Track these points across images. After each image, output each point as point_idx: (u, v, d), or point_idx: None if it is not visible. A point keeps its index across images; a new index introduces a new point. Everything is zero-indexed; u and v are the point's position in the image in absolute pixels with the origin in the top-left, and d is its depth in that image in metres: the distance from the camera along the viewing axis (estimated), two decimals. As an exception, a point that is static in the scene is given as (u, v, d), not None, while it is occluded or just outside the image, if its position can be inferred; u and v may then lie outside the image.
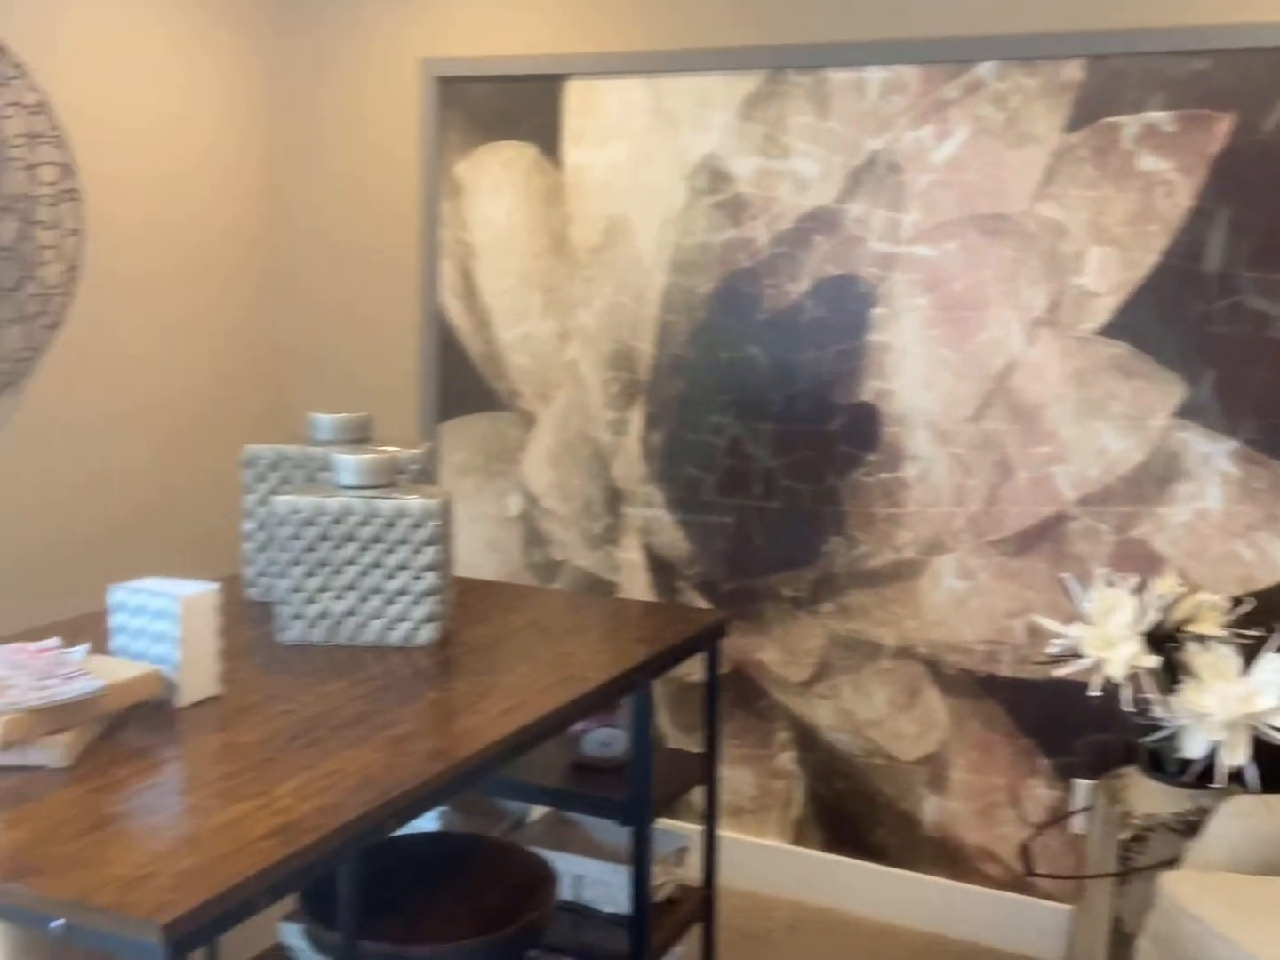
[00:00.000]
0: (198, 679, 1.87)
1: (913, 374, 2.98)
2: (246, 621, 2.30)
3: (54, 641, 1.86)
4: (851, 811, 3.15)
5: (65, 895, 1.31)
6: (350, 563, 2.15)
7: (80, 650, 1.83)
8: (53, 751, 1.63)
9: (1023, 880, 2.98)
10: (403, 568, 2.15)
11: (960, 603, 2.98)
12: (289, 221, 3.64)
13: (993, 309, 2.89)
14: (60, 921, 1.31)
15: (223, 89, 3.41)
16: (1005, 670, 2.95)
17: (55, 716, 1.64)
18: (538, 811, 2.69)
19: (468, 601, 2.48)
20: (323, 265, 3.62)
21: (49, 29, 2.93)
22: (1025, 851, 2.95)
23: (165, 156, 3.27)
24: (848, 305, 3.03)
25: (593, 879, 2.36)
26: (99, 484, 3.17)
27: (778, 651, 3.17)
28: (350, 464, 2.16)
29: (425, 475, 2.40)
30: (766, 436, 3.13)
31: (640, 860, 2.20)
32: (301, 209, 3.63)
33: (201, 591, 1.87)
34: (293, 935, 2.54)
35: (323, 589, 2.16)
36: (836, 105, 3.00)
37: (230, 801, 1.54)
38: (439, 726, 1.82)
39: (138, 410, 3.26)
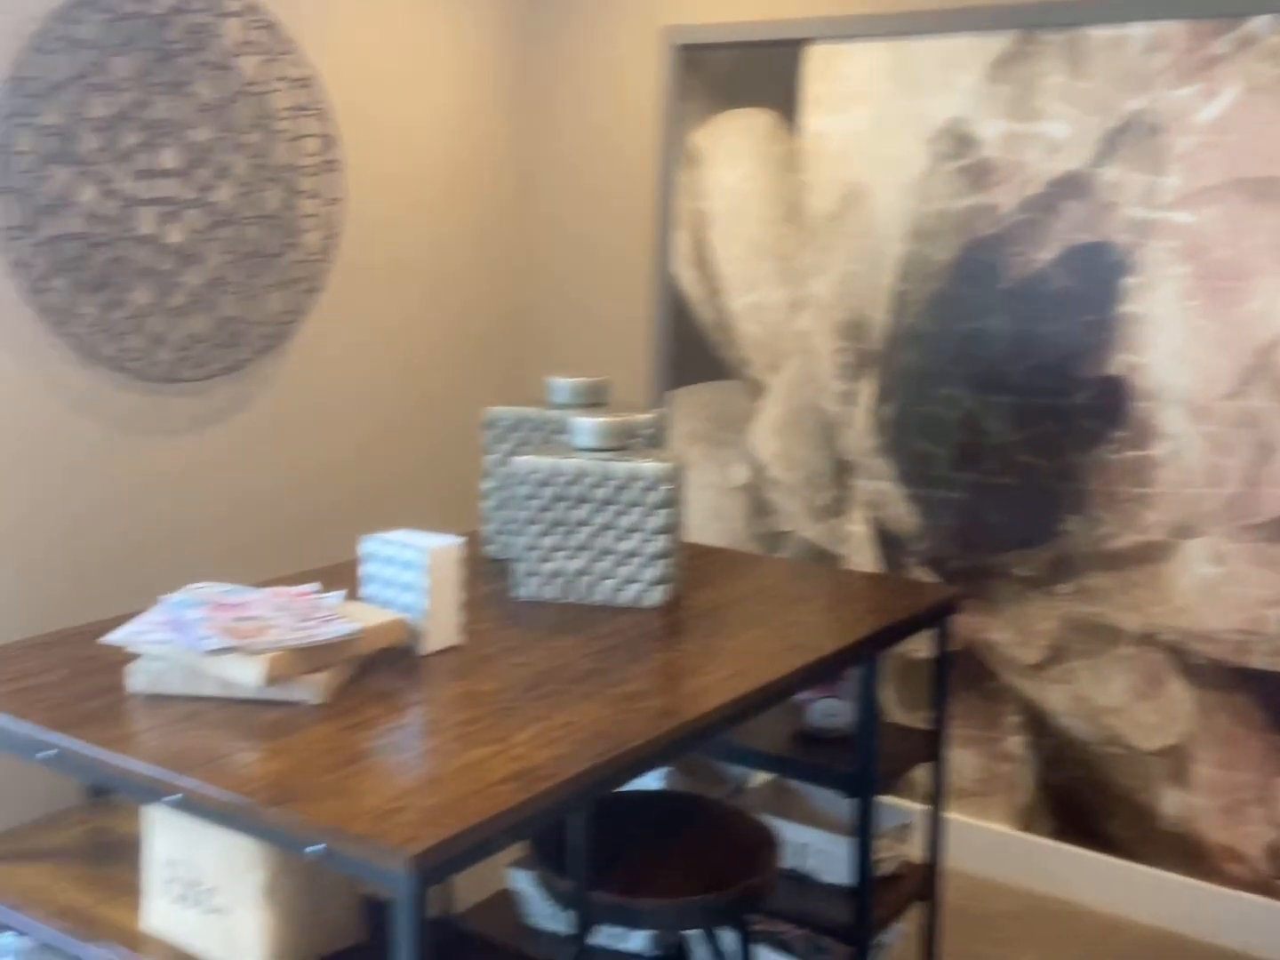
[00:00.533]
0: (441, 628, 1.95)
1: (1167, 347, 2.84)
2: (484, 577, 2.38)
3: (313, 586, 1.97)
4: (1084, 800, 3.04)
5: (323, 822, 1.39)
6: (584, 523, 2.20)
7: (336, 596, 1.93)
8: (310, 689, 1.72)
9: (1271, 883, 2.82)
10: (634, 530, 2.19)
11: (1211, 589, 2.83)
12: (531, 192, 3.73)
13: (1260, 279, 2.72)
14: (318, 847, 1.39)
15: (474, 60, 3.51)
16: (1258, 662, 2.79)
17: (313, 656, 1.74)
18: (759, 778, 2.70)
19: (695, 566, 2.50)
20: (561, 235, 3.70)
21: (316, 5, 3.08)
22: (1277, 853, 2.79)
23: (418, 129, 3.39)
24: (1098, 274, 2.90)
25: (815, 848, 2.35)
26: (352, 441, 3.34)
27: (1008, 632, 3.08)
28: (586, 427, 2.21)
29: (657, 441, 2.43)
30: (1004, 410, 3.04)
31: (864, 832, 2.18)
32: (543, 180, 3.71)
33: (447, 545, 1.94)
34: (521, 881, 2.63)
35: (557, 548, 2.21)
36: (1093, 64, 2.87)
37: (470, 746, 1.60)
38: (667, 686, 1.84)
39: (389, 372, 3.41)
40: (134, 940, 1.65)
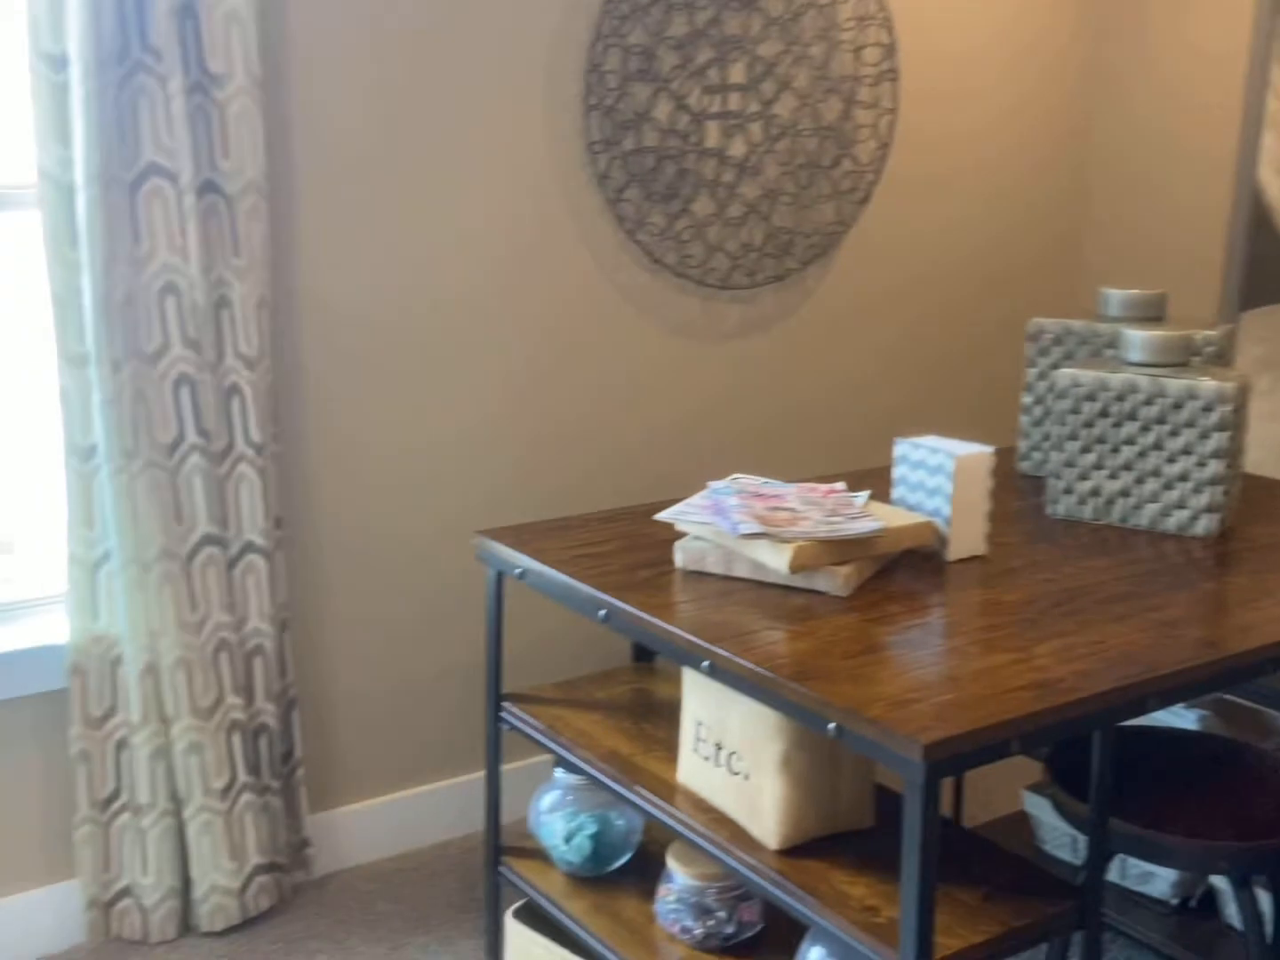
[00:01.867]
0: (966, 536, 1.94)
1: None
2: (1016, 493, 2.33)
3: (840, 485, 2.03)
4: None
5: (840, 702, 1.45)
6: (1129, 442, 2.09)
7: (862, 495, 1.98)
8: (834, 581, 1.79)
9: None
10: (1186, 452, 2.05)
11: None
12: (1097, 95, 3.52)
13: None
14: (834, 725, 1.45)
15: (1039, -40, 3.36)
16: None
17: (838, 549, 1.80)
18: (1313, 736, 2.46)
19: (1254, 499, 2.30)
20: (1132, 139, 3.47)
21: (880, -85, 3.08)
22: None
23: (977, 32, 3.31)
24: None
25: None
26: (889, 349, 3.37)
27: None
28: (1139, 340, 2.08)
29: (1221, 360, 2.24)
30: None
31: None
32: (1113, 82, 3.49)
33: (977, 452, 1.93)
34: (1034, 805, 2.60)
35: (1097, 466, 2.12)
36: None
37: (989, 651, 1.60)
38: (1210, 617, 1.73)
39: (930, 282, 3.39)
40: (667, 789, 1.82)
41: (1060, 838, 2.55)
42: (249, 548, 2.45)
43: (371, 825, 2.80)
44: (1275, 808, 1.77)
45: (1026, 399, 2.43)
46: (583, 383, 2.92)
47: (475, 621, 2.86)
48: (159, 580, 2.34)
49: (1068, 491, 2.16)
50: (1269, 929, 1.82)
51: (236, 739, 2.48)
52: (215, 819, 2.46)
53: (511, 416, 2.84)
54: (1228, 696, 2.47)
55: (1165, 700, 1.55)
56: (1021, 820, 2.65)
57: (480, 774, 2.92)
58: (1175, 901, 2.40)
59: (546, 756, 2.98)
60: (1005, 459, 2.55)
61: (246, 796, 2.50)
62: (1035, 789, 2.62)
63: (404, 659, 2.81)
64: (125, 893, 2.46)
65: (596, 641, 2.98)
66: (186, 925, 2.52)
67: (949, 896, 1.58)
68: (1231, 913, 2.34)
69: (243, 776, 2.49)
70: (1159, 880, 2.40)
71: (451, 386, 2.76)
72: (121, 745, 2.41)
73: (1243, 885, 1.77)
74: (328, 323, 2.59)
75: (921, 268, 3.37)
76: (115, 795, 2.42)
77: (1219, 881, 2.33)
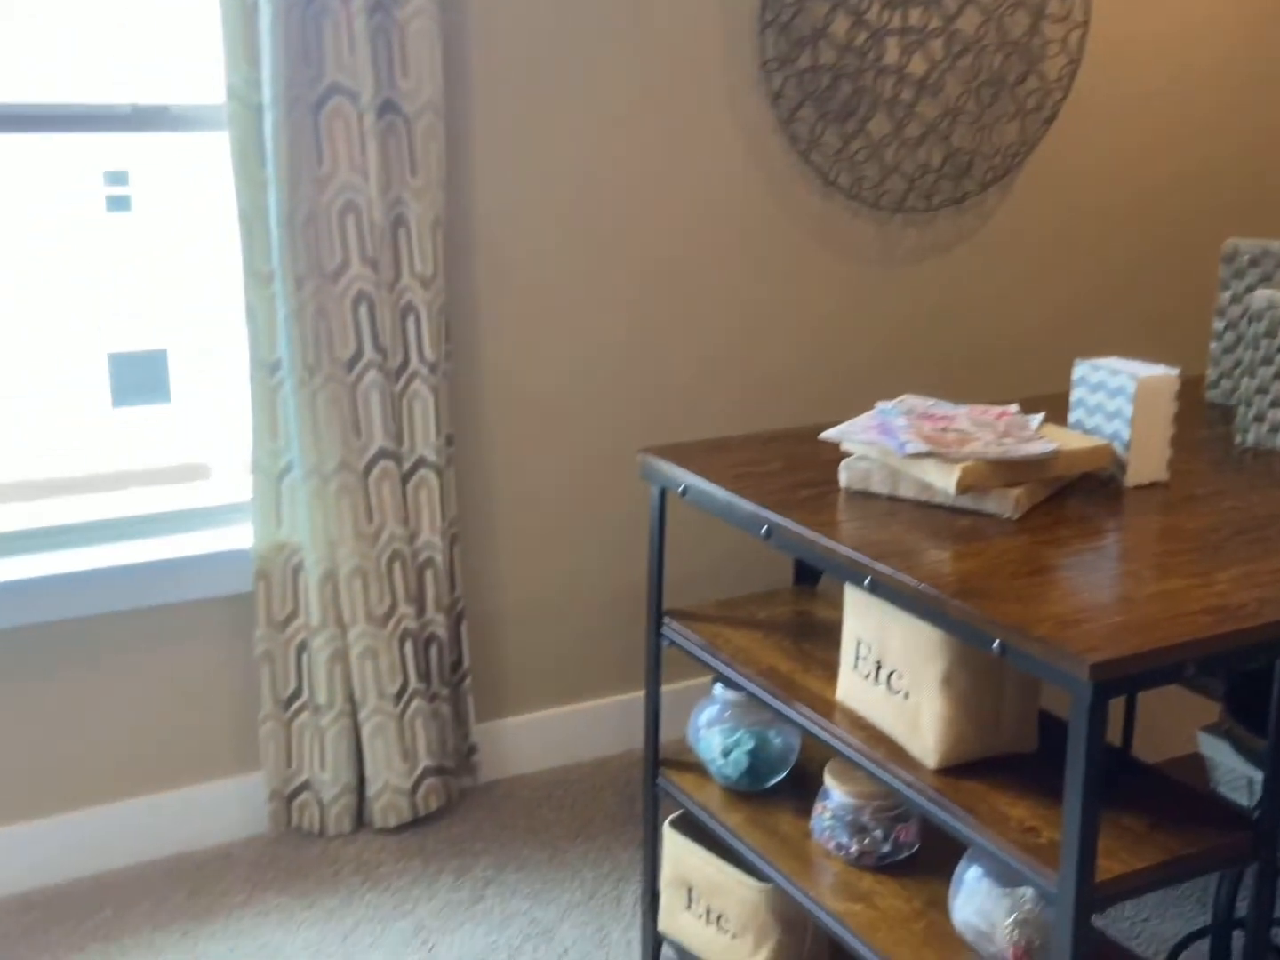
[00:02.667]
0: (1146, 461, 1.87)
1: None
2: (1203, 423, 2.24)
3: (1013, 407, 1.98)
4: None
5: (1005, 620, 1.42)
6: (1327, 367, 1.98)
7: (1036, 418, 1.92)
8: (1003, 503, 1.75)
9: None
10: (1391, 378, 1.93)
11: None
12: (1305, 5, 3.30)
13: None
14: (998, 643, 1.43)
15: None
16: None
17: (1008, 471, 1.76)
18: None
19: None
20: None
21: None
22: None
23: (1176, -59, 3.13)
24: None
25: None
26: (1070, 276, 3.25)
27: None
28: (1343, 258, 1.96)
29: None
30: None
31: None
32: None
33: (1161, 374, 1.85)
34: (1209, 746, 2.51)
35: (1291, 392, 2.02)
36: None
37: (1165, 575, 1.55)
38: None
39: (1117, 204, 3.26)
40: (826, 706, 1.82)
41: (1235, 780, 2.46)
42: (421, 463, 2.53)
43: (536, 737, 2.88)
44: None
45: (1218, 324, 2.32)
46: (749, 305, 2.90)
47: (639, 541, 2.90)
48: (337, 491, 2.43)
49: (1258, 419, 2.06)
50: None
51: (409, 647, 2.57)
52: (388, 721, 2.56)
53: (676, 337, 2.85)
54: None
55: (1355, 631, 1.47)
56: (1195, 762, 2.56)
57: (641, 694, 2.98)
58: (1359, 852, 2.30)
59: (705, 679, 3.01)
60: (1193, 388, 2.45)
61: (417, 702, 2.60)
62: (1211, 730, 2.53)
63: (568, 577, 2.87)
64: (305, 787, 2.59)
65: (759, 569, 2.99)
66: (361, 820, 2.65)
67: (1114, 823, 1.54)
68: None
69: (414, 683, 2.59)
70: (1342, 829, 2.30)
71: (616, 306, 2.78)
72: (302, 648, 2.53)
73: None
74: (498, 243, 2.63)
75: (1110, 192, 3.24)
76: (296, 695, 2.55)
77: None
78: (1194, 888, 2.46)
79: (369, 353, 2.42)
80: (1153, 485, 1.89)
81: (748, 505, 1.83)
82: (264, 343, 2.37)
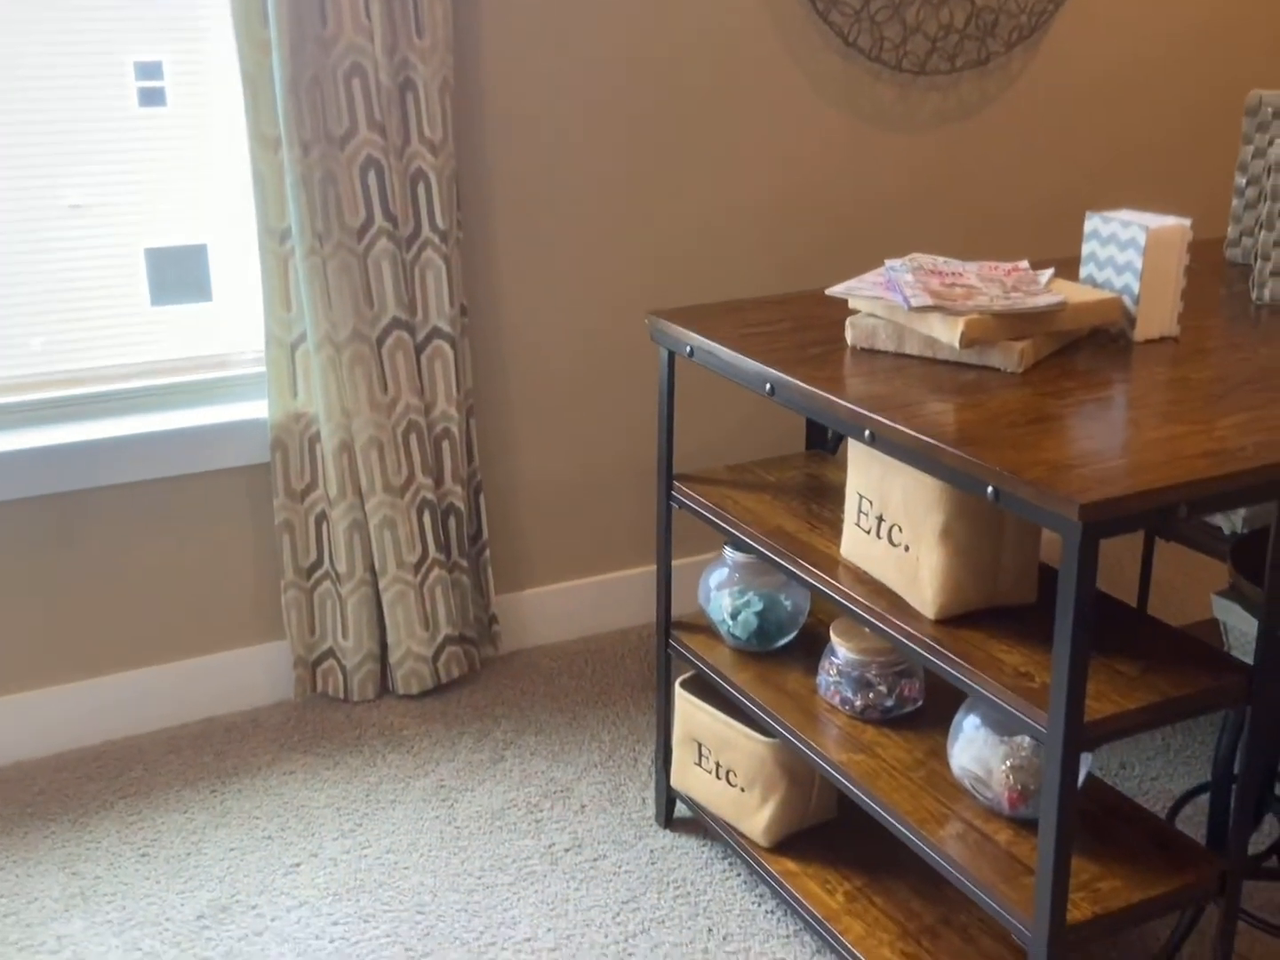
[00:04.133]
0: (1156, 314, 1.85)
1: None
2: (1221, 281, 2.20)
3: (1023, 263, 1.95)
4: None
5: (999, 465, 1.42)
6: (1348, 218, 1.93)
7: (1046, 273, 1.90)
8: (1008, 357, 1.74)
9: None
10: None
11: None
12: None
13: None
14: (992, 488, 1.43)
15: None
16: None
17: (1015, 324, 1.74)
18: None
19: None
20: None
21: None
22: None
23: None
24: None
25: None
26: (1094, 140, 3.17)
27: None
28: (1367, 104, 1.91)
29: None
30: None
31: None
32: None
33: (1172, 224, 1.82)
34: (1223, 610, 2.51)
35: (1310, 245, 1.98)
36: None
37: (1166, 423, 1.54)
38: None
39: (1140, 65, 3.16)
40: (830, 563, 1.83)
41: (1247, 644, 2.47)
42: (435, 333, 2.53)
43: (556, 608, 2.92)
44: None
45: (1240, 180, 2.26)
46: (766, 171, 2.86)
47: (654, 414, 2.90)
48: (351, 361, 2.45)
49: (1276, 274, 2.02)
50: None
51: (427, 517, 2.61)
52: (408, 590, 2.61)
53: (692, 203, 2.81)
54: None
55: (1356, 475, 1.46)
56: (1210, 627, 2.57)
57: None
58: (1370, 712, 2.31)
59: (719, 552, 3.03)
60: (1214, 248, 2.40)
61: (437, 572, 2.64)
62: (1224, 594, 2.53)
63: (587, 450, 2.88)
64: (328, 654, 2.65)
65: (772, 437, 2.99)
66: (384, 687, 2.71)
67: (1107, 667, 1.56)
68: None
69: (433, 553, 2.63)
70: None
71: (630, 172, 2.74)
72: (321, 518, 2.57)
73: None
74: (508, 108, 2.59)
75: (1129, 49, 3.14)
76: (317, 564, 2.59)
77: None
78: (1203, 748, 2.48)
79: (379, 220, 2.41)
80: (1162, 340, 1.86)
81: (751, 364, 1.83)
82: (272, 210, 2.37)
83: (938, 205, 3.04)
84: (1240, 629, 2.50)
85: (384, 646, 2.68)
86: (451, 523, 2.67)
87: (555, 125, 2.64)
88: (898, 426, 1.55)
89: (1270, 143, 2.21)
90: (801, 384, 1.73)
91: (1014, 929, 1.54)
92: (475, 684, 2.77)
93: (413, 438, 2.56)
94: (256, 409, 2.54)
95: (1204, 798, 2.29)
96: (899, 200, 3.00)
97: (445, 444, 2.61)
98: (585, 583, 2.95)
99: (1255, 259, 2.04)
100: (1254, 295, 2.06)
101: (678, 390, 2.90)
